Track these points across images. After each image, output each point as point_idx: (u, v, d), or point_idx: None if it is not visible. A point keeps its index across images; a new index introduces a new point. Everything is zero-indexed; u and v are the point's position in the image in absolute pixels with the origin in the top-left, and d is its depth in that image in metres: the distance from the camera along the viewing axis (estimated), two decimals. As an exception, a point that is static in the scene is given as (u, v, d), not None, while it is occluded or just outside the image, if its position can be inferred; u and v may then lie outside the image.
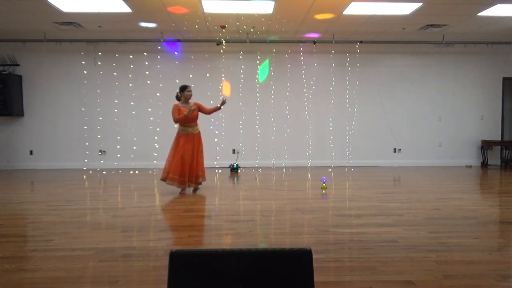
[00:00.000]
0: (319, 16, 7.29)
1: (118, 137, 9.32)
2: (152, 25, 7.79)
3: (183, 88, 6.18)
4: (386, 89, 9.66)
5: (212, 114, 6.64)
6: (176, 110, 6.10)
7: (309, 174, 8.45)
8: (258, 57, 9.31)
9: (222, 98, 6.39)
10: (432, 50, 9.42)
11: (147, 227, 4.39)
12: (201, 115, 6.33)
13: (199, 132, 6.30)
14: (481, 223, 4.45)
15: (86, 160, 9.23)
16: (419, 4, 6.51)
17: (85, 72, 9.21)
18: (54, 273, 3.02)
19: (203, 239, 4.07)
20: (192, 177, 6.17)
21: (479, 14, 7.05)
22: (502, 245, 3.83)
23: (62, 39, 8.70)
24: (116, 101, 9.32)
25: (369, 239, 3.84)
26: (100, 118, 9.27)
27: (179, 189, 6.17)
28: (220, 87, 9.38)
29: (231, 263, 1.30)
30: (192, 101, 6.28)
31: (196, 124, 6.26)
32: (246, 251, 1.36)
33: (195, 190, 6.33)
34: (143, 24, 7.74)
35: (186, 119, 6.03)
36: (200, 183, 6.36)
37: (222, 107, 6.30)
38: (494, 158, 9.80)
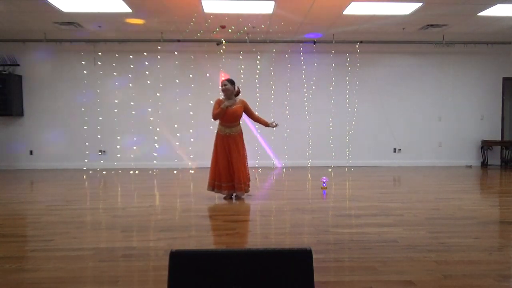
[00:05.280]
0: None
1: (118, 137, 9.31)
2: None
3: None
4: (386, 89, 9.66)
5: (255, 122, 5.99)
6: (216, 104, 5.48)
7: (309, 174, 8.45)
8: (258, 57, 9.30)
9: (275, 123, 5.83)
10: (432, 50, 9.42)
11: (147, 227, 4.39)
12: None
13: (239, 134, 5.60)
14: (481, 223, 4.45)
15: (86, 160, 9.22)
16: (419, 4, 6.51)
17: (85, 72, 9.21)
18: (54, 273, 3.02)
19: (203, 239, 4.07)
20: (230, 183, 5.54)
21: (479, 14, 7.05)
22: (502, 245, 3.83)
23: (62, 39, 8.70)
24: (116, 101, 9.31)
25: (369, 239, 3.84)
26: (100, 118, 9.26)
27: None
28: (220, 87, 9.36)
29: (231, 263, 1.30)
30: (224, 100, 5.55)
31: (238, 125, 5.59)
32: (246, 251, 1.36)
33: (237, 196, 5.69)
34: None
35: (224, 114, 5.39)
36: (239, 197, 5.65)
37: (270, 126, 5.78)
38: (494, 158, 9.79)
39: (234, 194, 5.68)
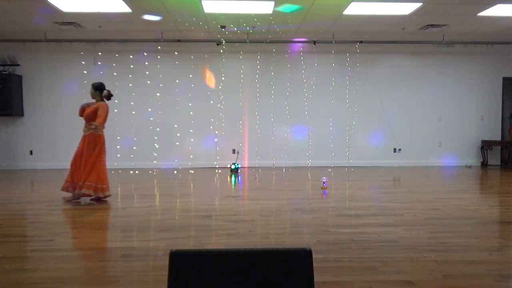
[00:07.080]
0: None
1: (118, 137, 9.31)
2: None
3: None
4: (386, 89, 9.66)
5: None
6: None
7: (309, 174, 8.44)
8: (258, 57, 9.30)
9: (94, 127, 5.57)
10: (432, 50, 9.42)
11: (147, 227, 4.39)
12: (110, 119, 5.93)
13: (91, 134, 5.55)
14: (481, 223, 4.45)
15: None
16: (419, 4, 6.51)
17: (85, 72, 9.20)
18: (54, 273, 3.02)
19: (203, 239, 4.07)
20: (74, 183, 5.55)
21: (479, 14, 7.05)
22: (502, 245, 3.83)
23: (62, 39, 8.70)
24: (116, 101, 9.24)
25: (369, 239, 3.84)
26: (100, 118, 9.24)
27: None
28: (220, 87, 9.37)
29: (231, 263, 1.30)
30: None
31: (90, 124, 5.56)
32: (246, 251, 1.36)
33: (74, 198, 5.57)
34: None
35: (82, 115, 5.68)
36: (79, 197, 5.54)
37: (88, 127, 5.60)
38: (494, 158, 9.80)
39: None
